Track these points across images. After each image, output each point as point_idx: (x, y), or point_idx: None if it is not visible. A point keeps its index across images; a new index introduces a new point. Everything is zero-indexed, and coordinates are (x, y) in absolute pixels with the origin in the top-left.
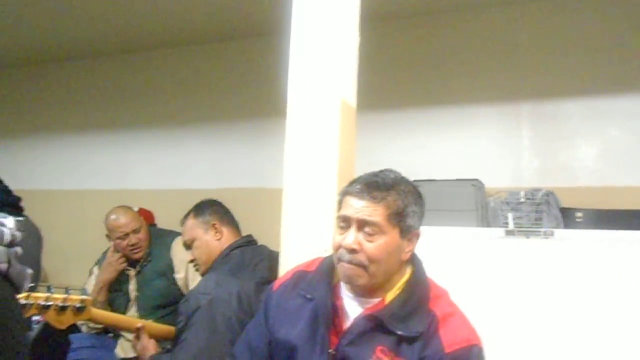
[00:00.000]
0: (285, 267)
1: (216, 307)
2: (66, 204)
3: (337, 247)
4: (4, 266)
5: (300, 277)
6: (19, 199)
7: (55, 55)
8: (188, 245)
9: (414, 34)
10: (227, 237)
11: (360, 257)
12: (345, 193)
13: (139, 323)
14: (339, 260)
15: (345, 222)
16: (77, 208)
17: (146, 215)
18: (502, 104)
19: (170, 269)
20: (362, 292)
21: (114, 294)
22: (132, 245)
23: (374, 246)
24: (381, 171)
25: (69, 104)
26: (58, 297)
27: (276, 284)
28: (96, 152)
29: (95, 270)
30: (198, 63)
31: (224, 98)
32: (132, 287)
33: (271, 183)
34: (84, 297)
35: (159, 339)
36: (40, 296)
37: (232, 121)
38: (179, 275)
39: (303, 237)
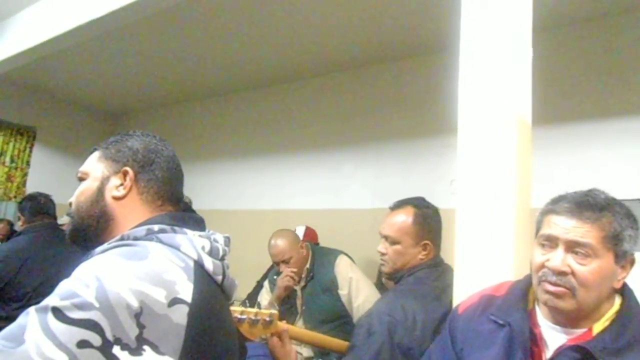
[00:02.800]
0: (461, 290)
1: (398, 331)
2: (234, 223)
3: (539, 267)
4: (219, 278)
5: (488, 301)
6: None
7: (224, 89)
8: (390, 241)
9: (589, 40)
10: (428, 256)
11: (570, 280)
12: (549, 211)
13: (285, 326)
14: (541, 280)
15: (549, 242)
16: (244, 227)
17: (311, 235)
18: None
19: (334, 285)
20: (565, 320)
21: (284, 307)
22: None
23: (587, 270)
24: (590, 190)
25: (237, 132)
26: (251, 311)
27: (462, 307)
28: (261, 175)
29: (266, 284)
30: (356, 86)
31: (380, 119)
32: (299, 301)
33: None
34: (272, 311)
35: (327, 349)
36: (237, 310)
37: (388, 141)
38: (342, 292)
39: (480, 260)
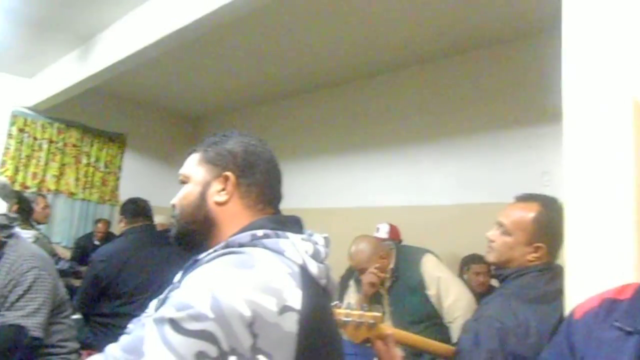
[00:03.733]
0: (574, 293)
1: (510, 339)
2: (315, 221)
3: None
4: (323, 281)
5: (610, 305)
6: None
7: (301, 89)
8: (502, 230)
9: None
10: (539, 260)
11: None
12: None
13: (389, 330)
14: None
15: None
16: (325, 225)
17: (395, 232)
18: None
19: (421, 286)
20: None
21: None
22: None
23: None
24: None
25: (316, 131)
26: (355, 313)
27: (579, 312)
28: (341, 173)
29: (352, 283)
30: (437, 79)
31: (463, 111)
32: (386, 302)
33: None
34: (376, 314)
35: (429, 353)
36: (341, 312)
37: (472, 134)
38: (430, 292)
39: (595, 259)
